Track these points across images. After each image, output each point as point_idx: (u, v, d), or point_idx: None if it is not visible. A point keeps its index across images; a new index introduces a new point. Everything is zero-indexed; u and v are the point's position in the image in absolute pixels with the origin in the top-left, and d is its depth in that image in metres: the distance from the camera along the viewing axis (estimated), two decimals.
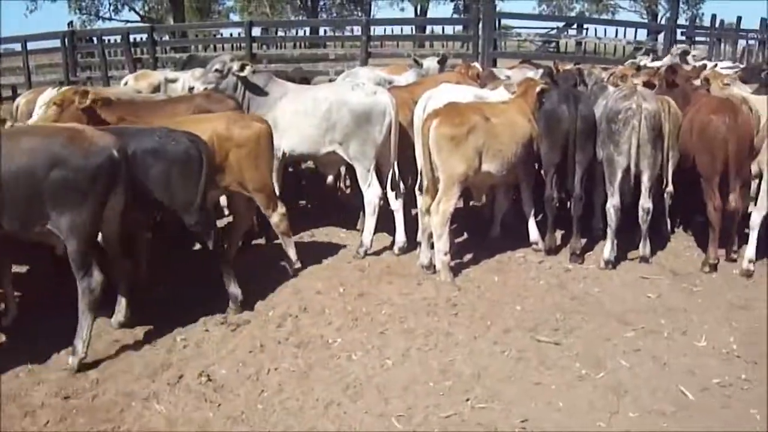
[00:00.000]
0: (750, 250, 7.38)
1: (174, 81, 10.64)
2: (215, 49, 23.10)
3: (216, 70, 8.19)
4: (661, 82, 8.57)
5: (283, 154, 8.20)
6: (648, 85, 8.48)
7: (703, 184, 7.51)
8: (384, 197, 8.09)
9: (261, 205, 7.26)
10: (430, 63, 10.33)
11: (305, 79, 10.99)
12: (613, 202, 7.52)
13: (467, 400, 5.13)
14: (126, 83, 10.67)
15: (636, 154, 7.33)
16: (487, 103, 7.86)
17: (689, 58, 11.01)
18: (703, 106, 7.68)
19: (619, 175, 7.46)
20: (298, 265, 7.62)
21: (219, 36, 25.89)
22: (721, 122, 7.24)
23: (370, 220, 8.09)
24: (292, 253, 7.59)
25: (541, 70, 9.12)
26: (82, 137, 5.52)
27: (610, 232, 7.58)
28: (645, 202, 7.54)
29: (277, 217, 7.37)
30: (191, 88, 8.04)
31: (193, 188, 6.22)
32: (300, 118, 8.06)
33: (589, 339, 6.00)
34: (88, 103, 6.91)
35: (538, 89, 7.90)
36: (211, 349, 6.01)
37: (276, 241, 8.41)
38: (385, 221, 8.29)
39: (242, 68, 8.23)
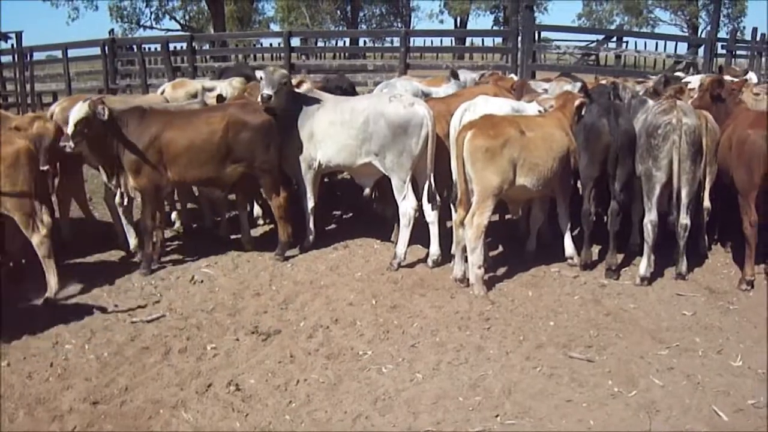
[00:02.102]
0: None
1: (211, 90, 10.70)
2: (255, 58, 23.27)
3: (282, 83, 8.11)
4: (704, 95, 8.44)
5: (319, 164, 8.22)
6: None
7: (740, 200, 7.37)
8: (419, 209, 8.04)
9: (20, 224, 6.88)
10: (468, 75, 10.27)
11: (351, 86, 10.91)
12: (650, 218, 7.41)
13: (497, 416, 5.06)
14: (163, 91, 10.73)
15: (676, 170, 7.22)
16: (523, 116, 7.79)
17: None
18: (741, 121, 7.55)
19: (658, 190, 7.36)
20: (53, 290, 7.13)
21: (259, 46, 26.00)
22: (759, 136, 7.08)
23: (404, 232, 8.05)
24: (52, 280, 7.11)
25: (578, 84, 9.00)
26: None
27: (647, 248, 7.47)
28: (683, 218, 7.41)
29: (37, 239, 6.94)
30: (268, 96, 7.90)
31: None
32: (337, 128, 8.08)
33: (622, 356, 5.89)
34: None
35: (577, 102, 7.81)
36: (241, 359, 6.01)
37: (308, 253, 8.49)
38: (420, 233, 8.22)
39: (299, 84, 8.40)
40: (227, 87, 10.66)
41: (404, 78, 11.39)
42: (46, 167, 7.56)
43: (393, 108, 7.88)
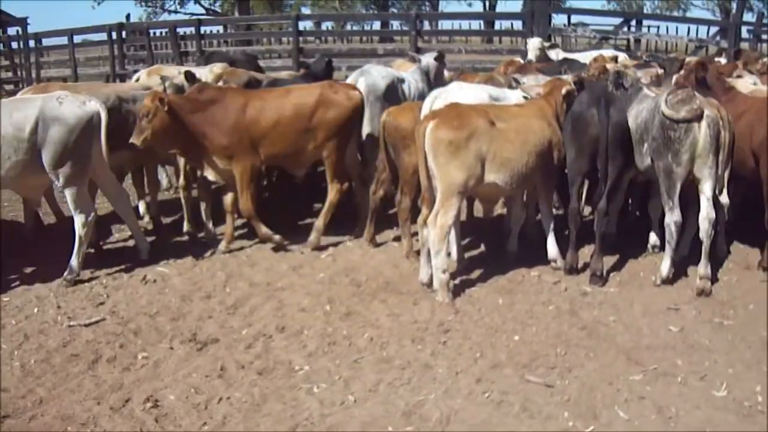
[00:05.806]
0: None
1: None
2: (263, 42, 22.89)
3: None
4: (687, 77, 7.75)
5: None
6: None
7: (765, 190, 6.73)
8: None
9: None
10: (429, 59, 9.48)
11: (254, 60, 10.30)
12: (673, 218, 6.63)
13: None
14: (137, 79, 10.22)
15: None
16: (497, 105, 7.07)
17: None
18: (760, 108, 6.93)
19: (678, 187, 6.60)
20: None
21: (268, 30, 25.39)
22: None
23: (82, 247, 7.25)
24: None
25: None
26: None
27: (668, 249, 6.75)
28: (710, 212, 6.60)
29: None
30: None
31: None
32: None
33: (587, 381, 5.16)
34: None
35: (564, 91, 7.12)
36: (168, 371, 5.52)
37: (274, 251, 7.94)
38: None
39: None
40: (207, 73, 10.11)
41: (382, 65, 10.60)
42: None
43: (68, 110, 6.94)
